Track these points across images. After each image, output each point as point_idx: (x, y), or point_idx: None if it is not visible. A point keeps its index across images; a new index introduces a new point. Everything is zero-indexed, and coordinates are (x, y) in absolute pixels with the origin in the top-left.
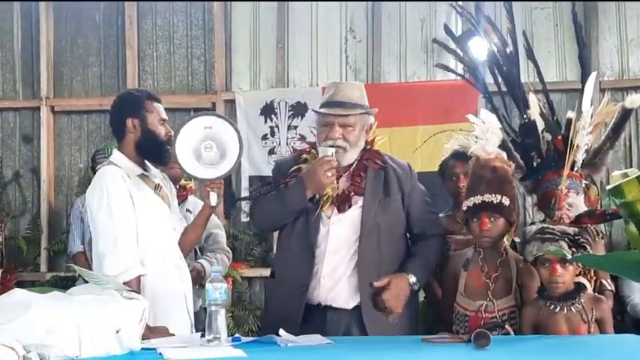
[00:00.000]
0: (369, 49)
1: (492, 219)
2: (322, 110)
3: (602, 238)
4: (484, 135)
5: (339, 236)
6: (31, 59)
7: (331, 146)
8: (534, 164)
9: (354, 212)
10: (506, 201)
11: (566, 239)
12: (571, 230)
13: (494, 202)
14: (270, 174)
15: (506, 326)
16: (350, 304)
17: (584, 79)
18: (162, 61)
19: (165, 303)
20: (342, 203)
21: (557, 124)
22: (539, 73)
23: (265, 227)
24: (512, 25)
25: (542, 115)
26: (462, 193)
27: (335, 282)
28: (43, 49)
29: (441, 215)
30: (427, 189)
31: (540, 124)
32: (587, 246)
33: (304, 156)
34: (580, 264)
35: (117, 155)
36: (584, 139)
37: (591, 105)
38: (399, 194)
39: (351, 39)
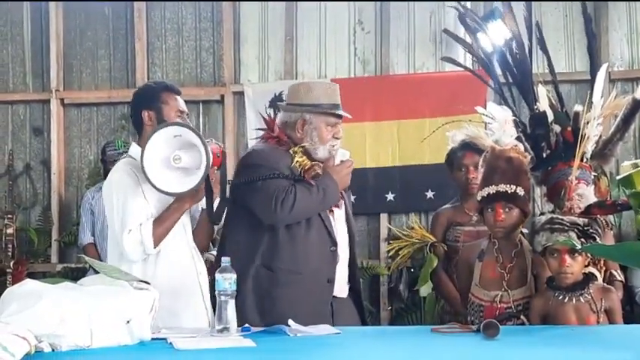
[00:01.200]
0: (377, 41)
1: (507, 209)
2: (341, 112)
3: (612, 229)
4: (501, 127)
5: (342, 231)
6: (41, 52)
7: (334, 145)
8: (544, 155)
9: (342, 207)
10: (520, 191)
11: (575, 230)
12: (580, 221)
13: (509, 192)
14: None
15: (522, 317)
16: (345, 293)
17: (593, 71)
18: (171, 54)
19: (180, 295)
20: (341, 199)
21: (566, 115)
22: (550, 64)
23: (296, 220)
24: (529, 13)
25: (551, 106)
26: (471, 184)
27: (341, 274)
28: (53, 42)
29: (447, 206)
30: (435, 181)
31: (550, 116)
32: (597, 237)
33: (295, 150)
34: (589, 255)
35: (134, 148)
36: (594, 130)
37: (601, 96)
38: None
39: (360, 30)
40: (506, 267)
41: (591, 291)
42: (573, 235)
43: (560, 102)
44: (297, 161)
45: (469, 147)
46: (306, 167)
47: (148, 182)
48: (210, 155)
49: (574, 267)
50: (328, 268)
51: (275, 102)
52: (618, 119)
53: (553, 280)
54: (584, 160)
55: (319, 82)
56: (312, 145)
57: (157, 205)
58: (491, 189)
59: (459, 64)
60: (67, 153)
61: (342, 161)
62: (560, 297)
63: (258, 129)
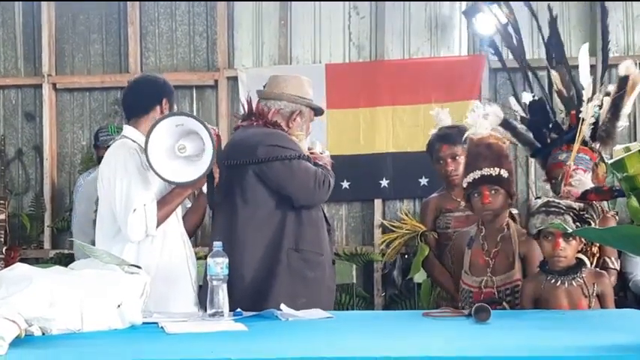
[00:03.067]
0: (372, 26)
1: (493, 192)
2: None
3: (617, 214)
4: (475, 122)
5: None
6: (33, 36)
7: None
8: (548, 141)
9: None
10: (505, 173)
11: (570, 213)
12: (576, 205)
13: (494, 174)
14: None
15: (504, 304)
16: None
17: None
18: (165, 38)
19: (170, 279)
20: None
21: (571, 99)
22: (560, 48)
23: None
24: None
25: (558, 91)
26: (451, 176)
27: None
28: (45, 26)
29: (435, 194)
30: (429, 168)
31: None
32: (592, 222)
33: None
34: (584, 240)
35: (131, 130)
36: (588, 112)
37: (592, 76)
38: None
39: (355, 15)
40: (491, 253)
41: (583, 275)
42: (569, 218)
43: (573, 86)
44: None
45: (445, 139)
46: None
47: (156, 175)
48: (215, 145)
49: (567, 251)
50: (331, 249)
51: None
52: (609, 98)
53: (546, 264)
54: (588, 144)
55: (305, 78)
56: (300, 137)
57: (159, 187)
58: (476, 174)
59: (499, 56)
60: (59, 138)
61: (322, 151)
62: (553, 281)
63: (249, 113)
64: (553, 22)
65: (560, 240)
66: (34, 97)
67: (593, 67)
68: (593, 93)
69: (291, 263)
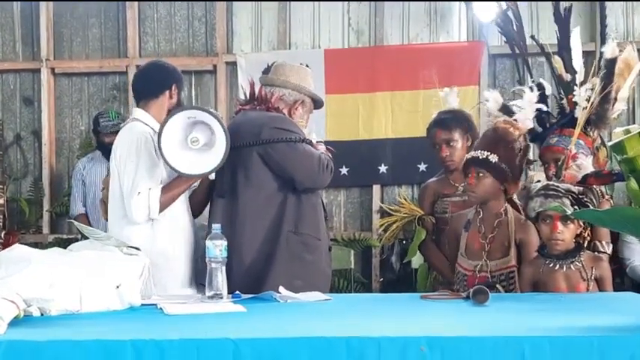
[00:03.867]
0: (371, 11)
1: (480, 174)
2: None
3: (612, 197)
4: (523, 107)
5: None
6: (31, 20)
7: None
8: (547, 125)
9: None
10: (493, 158)
11: (569, 197)
12: (575, 189)
13: (480, 157)
14: None
15: (497, 286)
16: None
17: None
18: (163, 23)
19: (176, 260)
20: None
21: (569, 84)
22: (565, 34)
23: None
24: None
25: (559, 75)
26: (446, 161)
27: None
28: (43, 10)
29: (434, 179)
30: (428, 153)
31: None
32: (591, 206)
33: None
34: (582, 224)
35: (142, 114)
36: (581, 96)
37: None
38: None
39: (354, 1)
40: (487, 237)
41: (582, 259)
42: (567, 202)
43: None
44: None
45: (440, 124)
46: None
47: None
48: (229, 138)
49: (565, 234)
50: (328, 235)
51: (267, 73)
52: (598, 79)
53: (544, 248)
54: (588, 129)
55: (309, 70)
56: (302, 125)
57: (169, 171)
58: (468, 155)
59: (540, 45)
60: (57, 123)
61: (317, 141)
62: (551, 265)
63: (251, 97)
64: (558, 11)
65: (559, 223)
66: (33, 81)
67: (592, 53)
68: (591, 77)
69: (290, 246)
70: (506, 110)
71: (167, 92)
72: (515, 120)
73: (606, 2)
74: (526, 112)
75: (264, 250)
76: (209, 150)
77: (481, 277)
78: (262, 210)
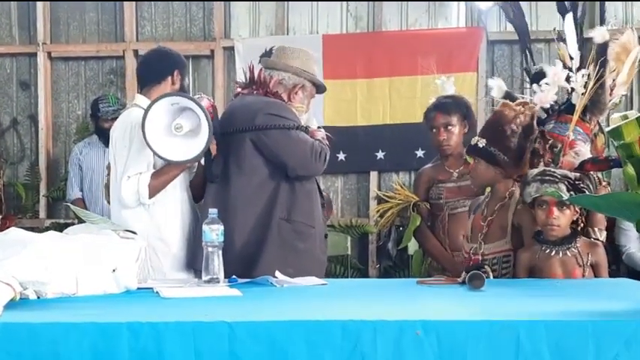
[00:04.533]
0: None
1: (476, 161)
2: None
3: (609, 184)
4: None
5: None
6: (27, 4)
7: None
8: (550, 111)
9: None
10: (481, 143)
11: (565, 182)
12: (572, 175)
13: (472, 144)
14: None
15: (486, 267)
16: None
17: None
18: (161, 7)
19: (175, 242)
20: None
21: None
22: (575, 19)
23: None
24: None
25: (563, 62)
26: (443, 145)
27: None
28: None
29: (429, 165)
30: (425, 140)
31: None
32: (587, 192)
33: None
34: (578, 210)
35: (142, 99)
36: (578, 82)
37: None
38: None
39: None
40: (487, 220)
41: (578, 245)
42: (563, 187)
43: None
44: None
45: (440, 107)
46: None
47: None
48: (211, 124)
49: (561, 219)
50: (324, 223)
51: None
52: (592, 67)
53: (540, 233)
54: (586, 116)
55: (312, 54)
56: (300, 109)
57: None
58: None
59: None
60: (54, 108)
61: (318, 127)
62: (547, 250)
63: (250, 80)
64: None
65: (554, 208)
66: (29, 65)
67: (590, 40)
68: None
69: (281, 233)
70: (509, 98)
71: (169, 78)
72: (530, 101)
73: None
74: (549, 89)
75: (256, 237)
76: (195, 137)
77: (474, 259)
78: (254, 197)
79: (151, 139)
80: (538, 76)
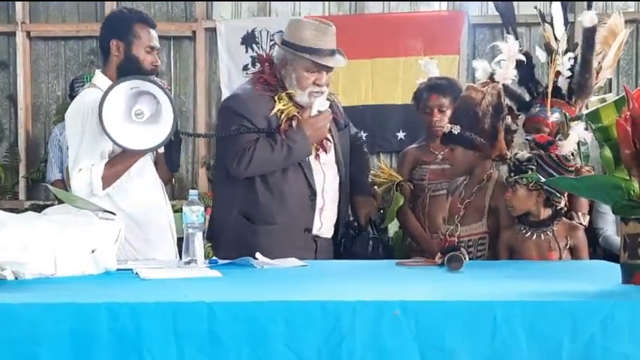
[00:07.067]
0: None
1: (451, 149)
2: (327, 63)
3: (593, 168)
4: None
5: (329, 176)
6: None
7: (317, 92)
8: (535, 94)
9: (332, 151)
10: (455, 129)
11: (510, 163)
12: (520, 155)
13: (446, 132)
14: None
15: (462, 249)
16: (331, 234)
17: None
18: None
19: (153, 227)
20: (326, 144)
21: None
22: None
23: (257, 174)
24: None
25: (546, 45)
26: (435, 127)
27: (327, 218)
28: None
29: (414, 145)
30: (407, 121)
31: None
32: (529, 172)
33: (280, 96)
34: (532, 190)
35: (99, 77)
36: (564, 65)
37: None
38: (344, 125)
39: None
40: (464, 202)
41: (555, 228)
42: (504, 168)
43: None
44: (279, 109)
45: (435, 88)
46: (289, 116)
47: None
48: (177, 109)
49: (513, 201)
50: (306, 217)
51: (247, 40)
52: (578, 48)
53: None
54: (572, 99)
55: (312, 22)
56: (292, 88)
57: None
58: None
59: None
60: (34, 88)
61: (319, 112)
62: (524, 232)
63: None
64: None
65: (509, 190)
66: (8, 45)
67: (574, 24)
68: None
69: (237, 230)
70: (493, 80)
71: (110, 52)
72: (492, 79)
73: None
74: (506, 65)
75: (213, 232)
76: (156, 123)
77: (450, 241)
78: (219, 188)
79: (110, 127)
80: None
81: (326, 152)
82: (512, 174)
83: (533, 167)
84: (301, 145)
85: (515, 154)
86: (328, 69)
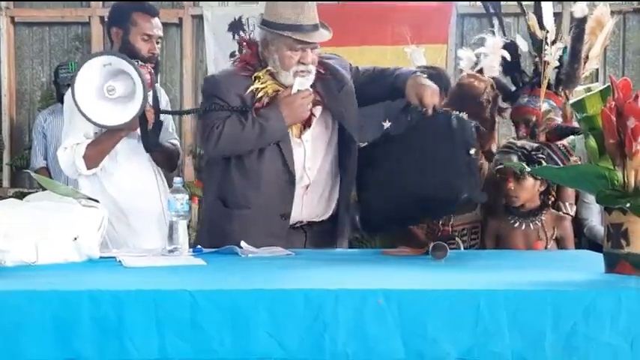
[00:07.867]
0: None
1: None
2: (310, 39)
3: (581, 159)
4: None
5: (314, 152)
6: None
7: (302, 71)
8: (521, 84)
9: (320, 123)
10: (463, 116)
11: (519, 153)
12: (529, 145)
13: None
14: None
15: (457, 239)
16: (326, 216)
17: None
18: None
19: (134, 217)
20: (309, 120)
21: (541, 43)
22: None
23: (228, 154)
24: None
25: (533, 34)
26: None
27: (314, 199)
28: None
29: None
30: (393, 111)
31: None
32: (545, 162)
33: (258, 75)
34: (539, 181)
35: None
36: (553, 55)
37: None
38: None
39: None
40: None
41: (543, 218)
42: (515, 158)
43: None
44: (257, 87)
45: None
46: (268, 95)
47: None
48: (147, 87)
49: (518, 191)
50: (283, 202)
51: (235, 27)
52: (569, 39)
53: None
54: (560, 89)
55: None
56: (275, 69)
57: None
58: None
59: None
60: (18, 74)
61: (298, 90)
62: (512, 221)
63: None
64: None
65: (512, 179)
66: None
67: (560, 15)
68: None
69: (211, 214)
70: (478, 69)
71: (112, 37)
72: (481, 70)
73: None
74: (491, 59)
75: (202, 212)
76: (130, 101)
77: (445, 231)
78: (203, 173)
79: (81, 101)
80: (507, 47)
81: (308, 127)
82: (524, 164)
83: (544, 157)
84: (274, 123)
85: (522, 144)
86: (312, 45)
